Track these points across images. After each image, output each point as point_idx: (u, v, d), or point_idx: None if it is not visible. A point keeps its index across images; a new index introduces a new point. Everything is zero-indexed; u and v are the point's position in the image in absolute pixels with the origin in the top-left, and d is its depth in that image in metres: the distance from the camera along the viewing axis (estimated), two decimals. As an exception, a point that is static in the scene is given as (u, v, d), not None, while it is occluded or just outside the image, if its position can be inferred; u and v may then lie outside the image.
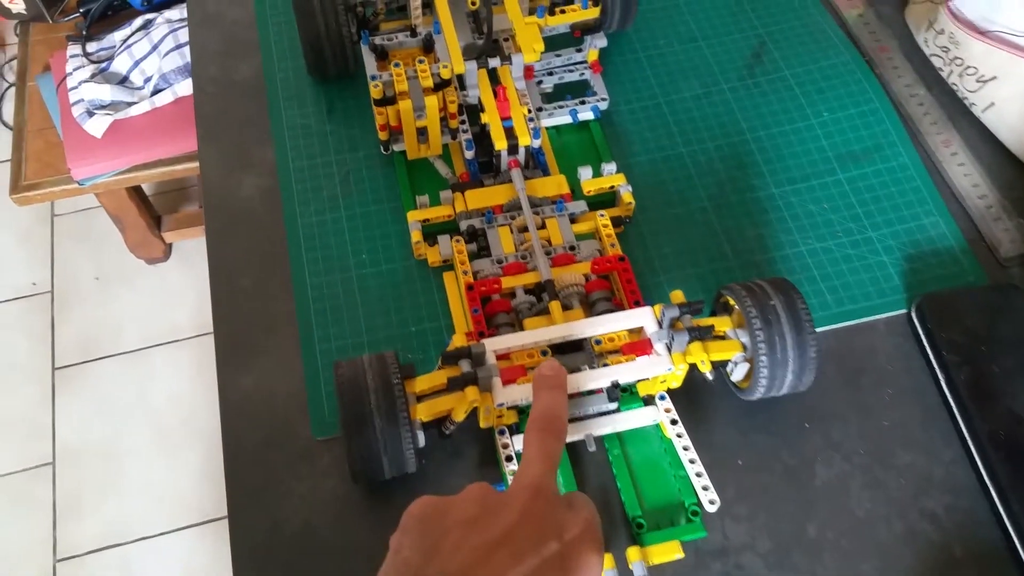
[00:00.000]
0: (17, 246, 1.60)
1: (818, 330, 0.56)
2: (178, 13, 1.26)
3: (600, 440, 0.52)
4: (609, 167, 0.61)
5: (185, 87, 1.23)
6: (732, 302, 0.50)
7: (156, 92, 1.23)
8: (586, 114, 0.65)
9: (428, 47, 0.63)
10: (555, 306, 0.52)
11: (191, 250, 1.57)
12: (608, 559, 0.46)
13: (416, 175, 0.64)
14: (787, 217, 0.61)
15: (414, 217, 0.59)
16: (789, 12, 0.72)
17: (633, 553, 0.47)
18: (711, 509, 0.48)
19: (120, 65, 1.25)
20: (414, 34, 0.65)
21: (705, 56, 0.69)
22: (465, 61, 0.60)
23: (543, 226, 0.57)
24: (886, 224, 0.60)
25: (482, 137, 0.62)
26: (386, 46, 0.63)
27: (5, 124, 1.68)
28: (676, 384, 0.51)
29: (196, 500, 1.33)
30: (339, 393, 0.46)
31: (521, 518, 0.35)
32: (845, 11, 0.74)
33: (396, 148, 0.64)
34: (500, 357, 0.49)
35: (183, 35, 1.22)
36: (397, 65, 0.59)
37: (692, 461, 0.49)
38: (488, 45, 0.62)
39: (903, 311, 0.57)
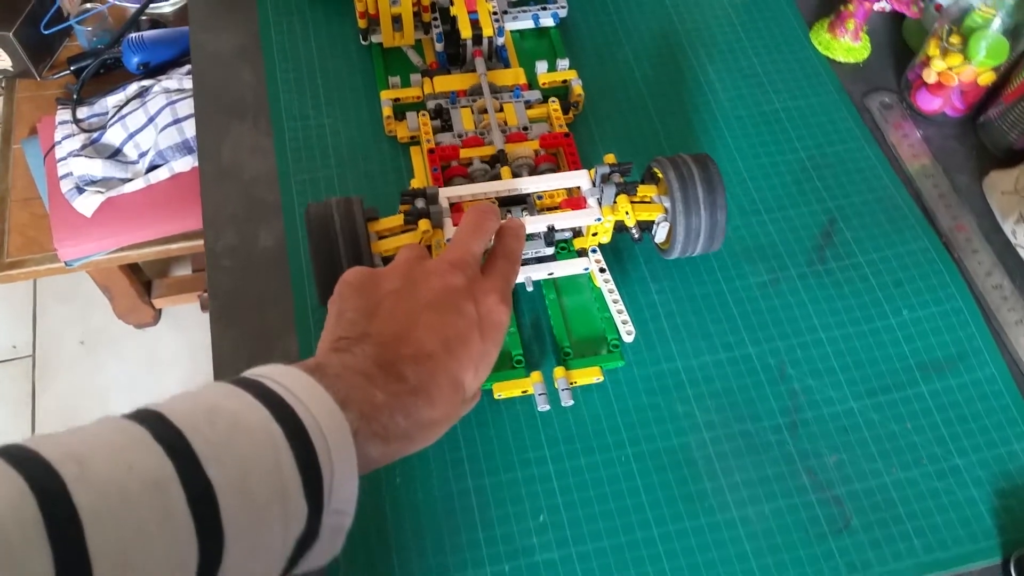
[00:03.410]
0: (-3, 305, 1.52)
1: (908, 587, 0.51)
2: (176, 83, 1.18)
3: (538, 286, 0.60)
4: (563, 63, 0.69)
5: (182, 164, 1.15)
6: (659, 173, 0.58)
7: (151, 168, 1.15)
8: (547, 20, 0.74)
9: None
10: (505, 171, 0.59)
11: (182, 313, 1.49)
12: (536, 375, 0.55)
13: (391, 64, 0.72)
14: (868, 439, 0.55)
15: (387, 96, 0.67)
16: (860, 182, 0.66)
17: (559, 372, 0.55)
18: (628, 339, 0.56)
19: (113, 137, 1.17)
20: None
21: (770, 233, 0.64)
22: None
23: (501, 110, 0.64)
24: (974, 449, 0.55)
25: (451, 33, 0.69)
26: None
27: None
28: (606, 239, 0.58)
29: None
30: (309, 229, 0.52)
31: (443, 288, 0.42)
32: (909, 163, 0.69)
33: (374, 39, 0.72)
34: (454, 211, 0.55)
35: (181, 108, 1.15)
36: None
37: (615, 301, 0.57)
38: None
39: (998, 560, 0.52)
